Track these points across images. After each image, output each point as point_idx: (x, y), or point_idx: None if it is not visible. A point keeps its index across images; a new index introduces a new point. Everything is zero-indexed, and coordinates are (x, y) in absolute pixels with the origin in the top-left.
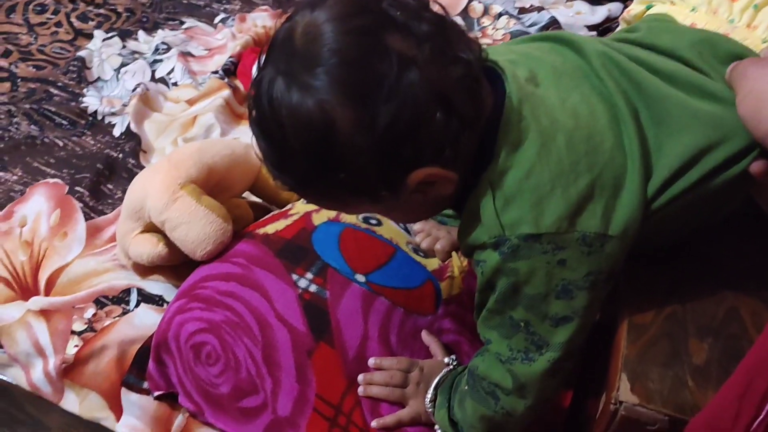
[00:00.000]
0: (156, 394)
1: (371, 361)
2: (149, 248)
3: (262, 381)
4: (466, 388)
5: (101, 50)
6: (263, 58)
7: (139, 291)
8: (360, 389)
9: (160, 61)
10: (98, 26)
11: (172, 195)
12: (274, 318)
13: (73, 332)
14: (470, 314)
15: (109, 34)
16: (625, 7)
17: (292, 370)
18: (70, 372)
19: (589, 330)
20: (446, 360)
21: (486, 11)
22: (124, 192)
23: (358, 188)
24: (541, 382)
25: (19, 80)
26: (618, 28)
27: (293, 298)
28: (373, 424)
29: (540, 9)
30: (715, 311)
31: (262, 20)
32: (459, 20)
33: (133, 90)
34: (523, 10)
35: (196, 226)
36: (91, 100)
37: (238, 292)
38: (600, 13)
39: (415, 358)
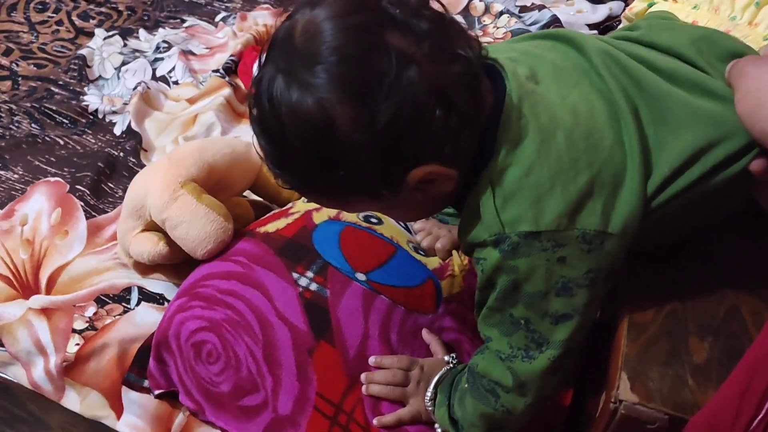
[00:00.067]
0: (156, 392)
1: (372, 360)
2: (150, 247)
3: (262, 379)
4: (467, 386)
5: (102, 49)
6: (263, 56)
7: (140, 289)
8: (362, 388)
9: (161, 59)
10: (99, 24)
11: (173, 194)
12: (275, 317)
13: (74, 331)
14: (471, 313)
15: (110, 33)
16: (627, 5)
17: (293, 368)
18: (70, 370)
19: (589, 328)
20: (446, 358)
21: (487, 9)
22: (124, 190)
23: (358, 186)
24: (542, 379)
25: (20, 79)
26: (620, 26)
27: (294, 296)
28: (374, 422)
29: (541, 7)
30: (716, 310)
31: (263, 18)
32: (460, 18)
33: (134, 88)
34: (524, 9)
35: (197, 224)
36: (92, 99)
37: (238, 291)
38: (601, 11)
39: (415, 356)
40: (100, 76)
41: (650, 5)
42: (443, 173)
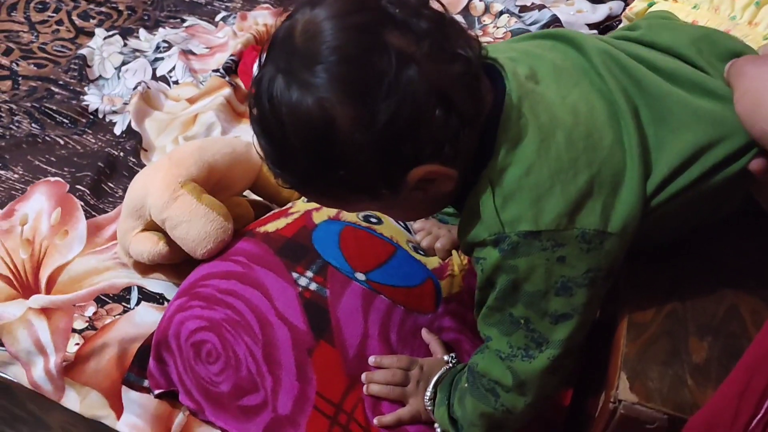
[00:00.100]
0: (156, 392)
1: (371, 360)
2: (150, 246)
3: (262, 379)
4: (466, 385)
5: (102, 48)
6: (264, 56)
7: (140, 289)
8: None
9: (161, 59)
10: (99, 24)
11: (173, 193)
12: (275, 316)
13: (73, 330)
14: (471, 313)
15: (111, 32)
16: (627, 4)
17: (293, 368)
18: (70, 370)
19: (588, 327)
20: (446, 358)
21: (487, 9)
22: (124, 190)
23: (358, 186)
24: (541, 379)
25: (20, 78)
26: (620, 26)
27: (293, 296)
28: (375, 422)
29: (541, 7)
30: (715, 309)
31: (263, 18)
32: (460, 18)
33: (134, 88)
34: (524, 8)
35: (197, 224)
36: (92, 99)
37: (238, 291)
38: (601, 11)
39: (415, 356)
40: (100, 76)
41: (650, 5)
42: (443, 173)
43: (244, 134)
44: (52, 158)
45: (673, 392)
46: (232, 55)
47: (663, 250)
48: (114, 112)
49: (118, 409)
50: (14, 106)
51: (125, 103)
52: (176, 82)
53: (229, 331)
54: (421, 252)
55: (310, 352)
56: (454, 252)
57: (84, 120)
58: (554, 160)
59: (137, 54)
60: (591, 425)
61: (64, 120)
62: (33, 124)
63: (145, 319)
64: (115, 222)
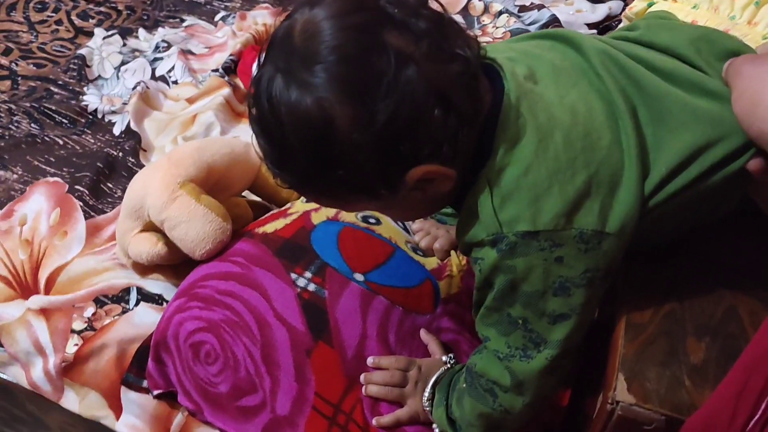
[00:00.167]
0: (155, 392)
1: (370, 360)
2: (149, 247)
3: (260, 380)
4: (465, 385)
5: (101, 48)
6: (263, 56)
7: (139, 290)
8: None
9: (161, 59)
10: (99, 24)
11: (172, 194)
12: (273, 317)
13: (72, 331)
14: (469, 313)
15: (110, 32)
16: (626, 4)
17: (291, 369)
18: (69, 371)
19: (586, 328)
20: (444, 359)
21: (486, 9)
22: (123, 191)
23: (357, 185)
24: (539, 379)
25: (19, 78)
26: (620, 26)
27: (292, 297)
28: (373, 422)
29: (540, 7)
30: (714, 310)
31: (263, 18)
32: (459, 18)
33: (133, 88)
34: (523, 8)
35: (196, 225)
36: (91, 99)
37: (237, 291)
38: (600, 11)
39: (413, 356)
40: (99, 76)
41: (650, 5)
42: (442, 173)
43: (243, 134)
44: (51, 158)
45: (670, 393)
46: (231, 55)
47: (661, 250)
48: (113, 112)
49: (117, 409)
50: (13, 106)
51: (124, 103)
52: (175, 82)
53: (228, 332)
54: (420, 252)
55: (308, 353)
56: (452, 252)
57: (83, 120)
58: (552, 161)
59: (136, 54)
60: (589, 426)
61: (63, 120)
62: (32, 124)
63: (144, 319)
64: (114, 222)
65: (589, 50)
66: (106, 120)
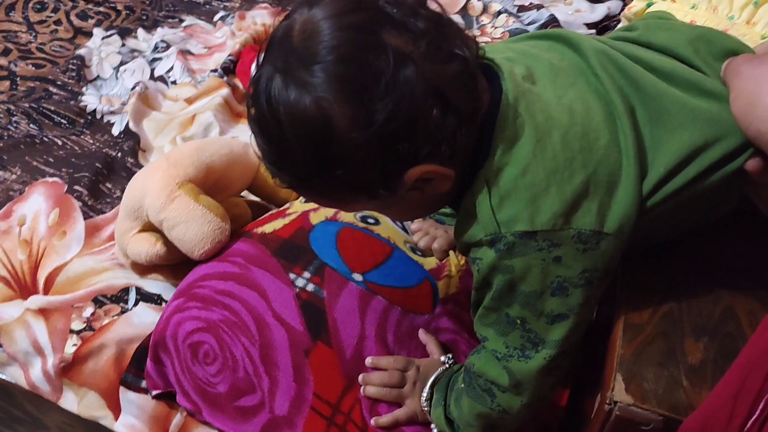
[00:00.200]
0: (154, 393)
1: (368, 361)
2: (147, 247)
3: (259, 380)
4: (463, 385)
5: (100, 48)
6: (262, 56)
7: (138, 290)
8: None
9: (160, 59)
10: (98, 24)
11: (170, 194)
12: (272, 317)
13: (71, 331)
14: (467, 313)
15: (109, 32)
16: (625, 4)
17: (290, 369)
18: (68, 371)
19: (585, 328)
20: (443, 359)
21: (485, 9)
22: (122, 191)
23: (355, 185)
24: (538, 379)
25: (18, 79)
26: (619, 25)
27: (290, 297)
28: (372, 422)
29: (539, 7)
30: (712, 310)
31: (262, 18)
32: (458, 18)
33: (132, 88)
34: (522, 8)
35: (194, 225)
36: (90, 99)
37: (235, 292)
38: (599, 10)
39: (412, 357)
40: (98, 76)
41: (649, 4)
42: (440, 173)
43: (242, 134)
44: (50, 159)
45: (668, 393)
46: (230, 55)
47: (659, 251)
48: (112, 113)
49: (115, 409)
50: (12, 107)
51: (123, 104)
52: (174, 82)
53: (226, 332)
54: (419, 252)
55: (307, 353)
56: (451, 252)
57: (82, 120)
58: (550, 161)
59: (135, 54)
60: (587, 426)
61: (62, 120)
62: (31, 125)
63: (143, 319)
64: (113, 223)
65: (588, 50)
66: (105, 120)
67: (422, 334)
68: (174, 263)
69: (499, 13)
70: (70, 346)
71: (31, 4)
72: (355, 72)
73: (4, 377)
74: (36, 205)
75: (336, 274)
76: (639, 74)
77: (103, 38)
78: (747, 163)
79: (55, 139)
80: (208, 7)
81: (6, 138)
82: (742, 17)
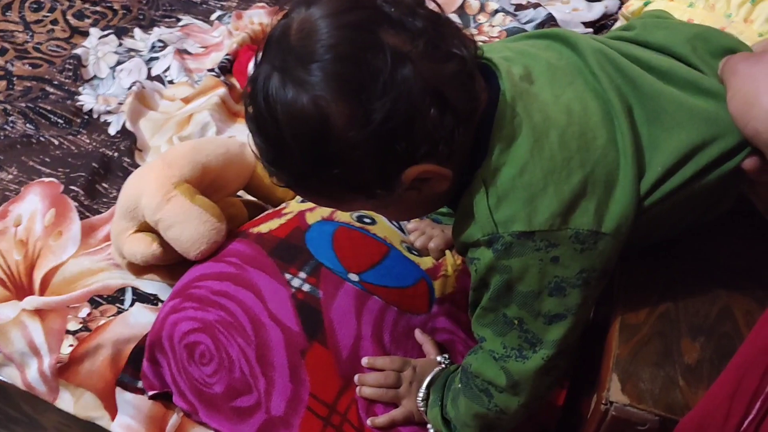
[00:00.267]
0: (150, 393)
1: (364, 361)
2: (143, 248)
3: (255, 381)
4: (460, 386)
5: (97, 48)
6: (260, 55)
7: (134, 290)
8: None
9: (156, 58)
10: (94, 24)
11: (166, 194)
12: (268, 318)
13: (67, 332)
14: (464, 313)
15: (106, 32)
16: (622, 3)
17: (286, 369)
18: (64, 371)
19: (582, 328)
20: (439, 359)
21: (482, 8)
22: (119, 191)
23: (352, 184)
24: (535, 379)
25: (14, 78)
26: (616, 24)
27: (286, 297)
28: (368, 423)
29: (536, 6)
30: (708, 310)
31: (259, 17)
32: (455, 17)
33: (129, 88)
34: (519, 7)
35: (190, 225)
36: (86, 99)
37: (231, 292)
38: (596, 9)
39: (408, 357)
40: (95, 76)
41: (646, 3)
42: (438, 172)
43: (239, 134)
44: (47, 159)
45: (664, 393)
46: (227, 55)
47: (657, 250)
48: (109, 112)
49: (112, 410)
50: (9, 107)
51: (120, 103)
52: (171, 82)
53: (222, 333)
54: (415, 252)
55: (303, 354)
56: (447, 252)
57: (78, 120)
58: (548, 160)
59: (132, 53)
60: (583, 426)
61: (59, 120)
62: (27, 125)
63: (139, 320)
64: (109, 223)
65: (585, 49)
66: (102, 120)
67: (419, 334)
68: (170, 263)
69: (496, 11)
70: (67, 347)
71: (27, 4)
72: (353, 71)
73: (0, 378)
74: (32, 205)
75: (332, 275)
76: (636, 73)
77: (99, 38)
78: (744, 162)
79: (52, 139)
80: (205, 6)
81: (2, 138)
82: (740, 15)
